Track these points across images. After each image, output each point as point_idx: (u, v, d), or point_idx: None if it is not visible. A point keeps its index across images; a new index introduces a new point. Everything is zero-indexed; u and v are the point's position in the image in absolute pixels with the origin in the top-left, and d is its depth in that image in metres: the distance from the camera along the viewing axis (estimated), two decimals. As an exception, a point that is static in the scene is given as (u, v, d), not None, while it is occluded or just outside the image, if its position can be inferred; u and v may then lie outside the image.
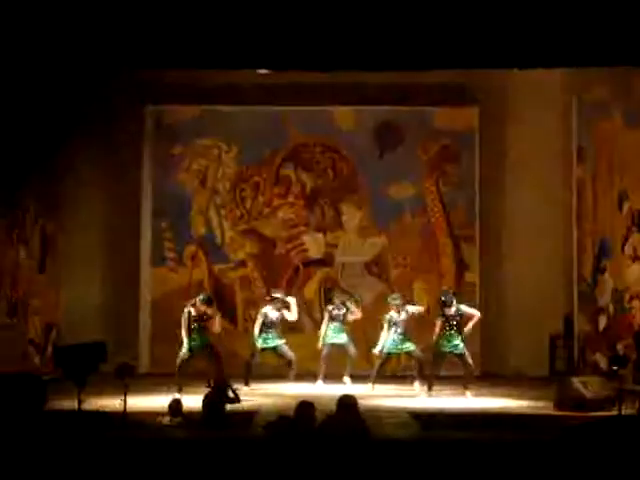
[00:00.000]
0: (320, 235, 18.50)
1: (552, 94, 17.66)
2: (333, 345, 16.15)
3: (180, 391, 14.02)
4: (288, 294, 16.50)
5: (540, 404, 13.61)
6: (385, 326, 15.50)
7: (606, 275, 16.54)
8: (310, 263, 18.45)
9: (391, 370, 16.40)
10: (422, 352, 15.56)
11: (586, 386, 12.97)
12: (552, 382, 15.45)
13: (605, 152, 16.57)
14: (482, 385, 15.23)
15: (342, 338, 16.16)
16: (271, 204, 18.51)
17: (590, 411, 12.53)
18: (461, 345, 14.74)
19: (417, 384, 15.35)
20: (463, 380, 14.70)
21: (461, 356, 14.74)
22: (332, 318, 16.19)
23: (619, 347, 15.93)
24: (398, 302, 15.65)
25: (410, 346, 15.57)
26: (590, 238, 16.98)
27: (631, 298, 15.85)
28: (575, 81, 16.98)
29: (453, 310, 14.75)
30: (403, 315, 15.55)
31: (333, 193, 18.52)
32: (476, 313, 15.12)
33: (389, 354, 15.65)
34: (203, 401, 11.77)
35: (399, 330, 15.50)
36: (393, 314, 15.54)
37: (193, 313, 14.78)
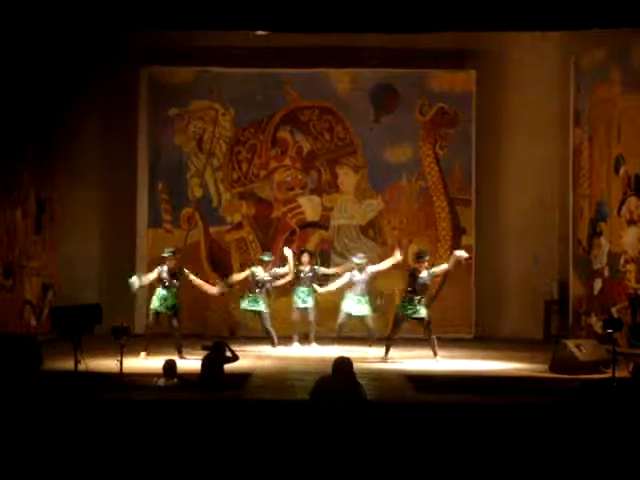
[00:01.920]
0: (316, 198, 18.49)
1: (549, 57, 17.61)
2: (299, 309, 16.16)
3: (146, 352, 14.00)
4: (281, 256, 16.53)
5: (535, 367, 13.66)
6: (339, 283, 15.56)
7: (602, 239, 16.56)
8: (306, 226, 18.46)
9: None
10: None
11: (580, 349, 13.01)
12: (547, 345, 15.55)
13: (602, 115, 16.54)
14: (477, 348, 15.29)
15: (308, 302, 16.10)
16: (268, 167, 18.50)
17: (584, 374, 12.58)
18: (423, 310, 14.18)
19: (369, 346, 15.36)
20: (430, 345, 14.18)
21: (422, 320, 14.24)
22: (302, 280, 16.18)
23: (613, 310, 15.99)
24: (363, 262, 15.57)
25: (365, 310, 15.57)
26: (586, 202, 16.99)
27: (626, 262, 15.90)
28: (572, 44, 16.93)
29: (425, 274, 14.17)
30: (364, 275, 15.51)
31: (330, 156, 18.49)
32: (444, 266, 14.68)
33: (348, 314, 15.59)
34: (202, 361, 11.81)
35: (357, 291, 15.48)
36: (355, 273, 15.50)
37: (166, 268, 14.61)
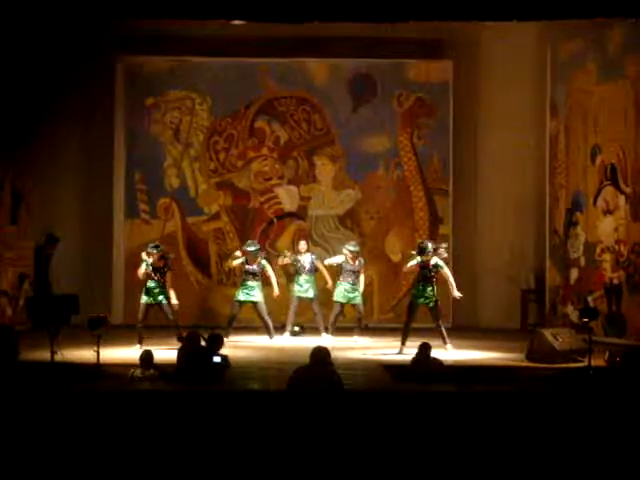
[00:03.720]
0: (294, 188, 18.47)
1: (526, 47, 17.62)
2: (300, 299, 16.16)
3: (141, 343, 14.04)
4: (262, 245, 16.56)
5: (511, 356, 13.72)
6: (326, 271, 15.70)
7: (578, 228, 16.63)
8: (284, 216, 18.45)
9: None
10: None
11: (557, 338, 13.08)
12: (524, 335, 15.61)
13: (579, 105, 16.59)
14: (454, 338, 15.30)
15: (309, 293, 16.07)
16: (245, 157, 18.46)
17: (561, 362, 12.66)
18: (433, 299, 14.38)
19: (357, 336, 15.52)
20: (440, 334, 14.29)
21: (432, 310, 14.42)
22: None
23: (590, 299, 16.08)
24: (357, 250, 15.63)
25: (357, 298, 15.61)
26: (563, 191, 17.05)
27: (602, 251, 15.98)
28: (549, 34, 16.96)
29: (432, 262, 14.33)
30: (357, 264, 15.57)
31: (307, 146, 18.47)
32: (450, 278, 14.65)
33: (341, 303, 15.66)
34: (178, 352, 11.80)
35: (350, 279, 15.54)
36: (350, 262, 15.55)
37: (150, 262, 14.60)
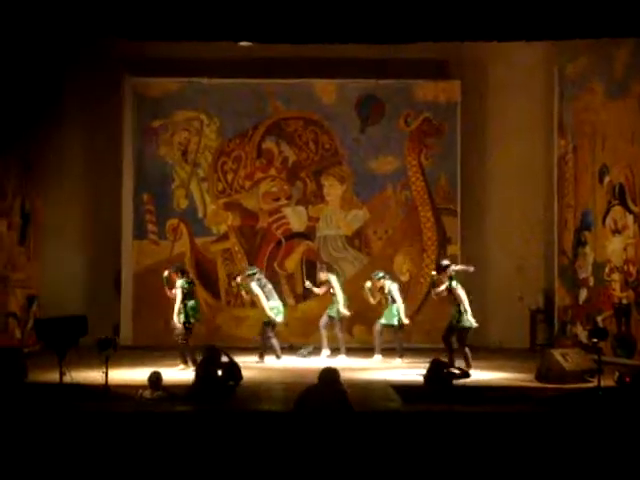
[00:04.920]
0: (302, 208, 18.49)
1: (533, 67, 17.67)
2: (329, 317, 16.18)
3: (186, 364, 14.12)
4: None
5: (521, 376, 13.67)
6: (397, 296, 15.56)
7: (587, 248, 16.59)
8: (292, 236, 18.45)
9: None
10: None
11: (566, 358, 13.03)
12: (533, 355, 15.56)
13: (586, 124, 16.59)
14: (463, 358, 15.26)
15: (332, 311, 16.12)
16: (253, 177, 18.49)
17: (570, 383, 12.61)
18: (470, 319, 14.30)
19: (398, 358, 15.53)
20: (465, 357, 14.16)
21: (467, 330, 14.23)
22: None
23: (599, 320, 16.02)
24: (377, 277, 15.78)
25: (396, 319, 15.63)
26: (571, 211, 17.03)
27: (611, 271, 15.94)
28: (556, 54, 16.99)
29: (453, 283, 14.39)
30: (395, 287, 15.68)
31: (315, 166, 18.50)
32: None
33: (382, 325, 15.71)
34: (197, 369, 11.86)
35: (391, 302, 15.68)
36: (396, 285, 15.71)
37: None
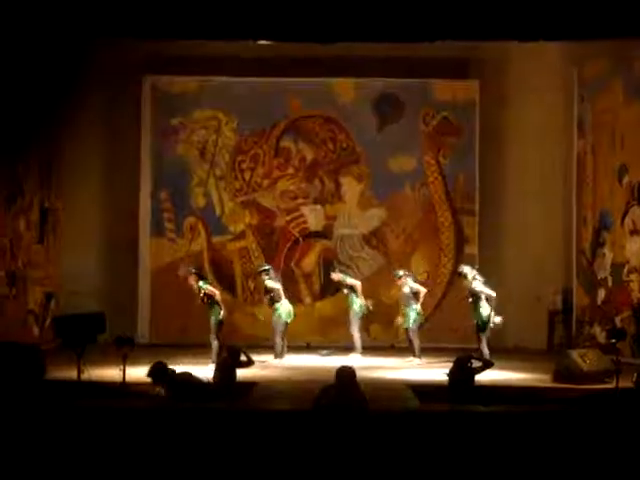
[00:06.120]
0: (319, 207, 18.48)
1: (552, 67, 17.61)
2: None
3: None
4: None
5: (538, 377, 13.64)
6: (418, 287, 15.63)
7: (605, 248, 16.54)
8: (309, 235, 18.45)
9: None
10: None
11: (584, 359, 12.99)
12: (550, 355, 15.51)
13: (605, 125, 16.54)
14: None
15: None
16: (271, 176, 18.49)
17: (588, 384, 12.57)
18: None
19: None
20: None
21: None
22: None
23: (617, 320, 15.97)
24: (398, 275, 15.75)
25: (407, 321, 15.61)
26: (590, 211, 16.97)
27: (630, 271, 15.88)
28: (575, 54, 16.92)
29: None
30: (406, 288, 15.64)
31: (333, 165, 18.49)
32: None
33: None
34: (217, 366, 11.90)
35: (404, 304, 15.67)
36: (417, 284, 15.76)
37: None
